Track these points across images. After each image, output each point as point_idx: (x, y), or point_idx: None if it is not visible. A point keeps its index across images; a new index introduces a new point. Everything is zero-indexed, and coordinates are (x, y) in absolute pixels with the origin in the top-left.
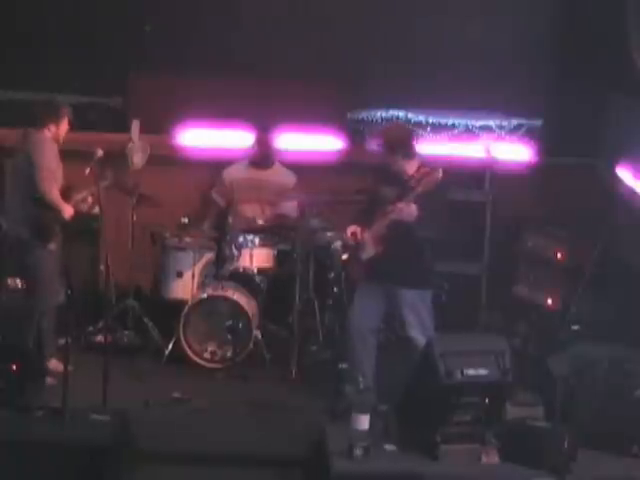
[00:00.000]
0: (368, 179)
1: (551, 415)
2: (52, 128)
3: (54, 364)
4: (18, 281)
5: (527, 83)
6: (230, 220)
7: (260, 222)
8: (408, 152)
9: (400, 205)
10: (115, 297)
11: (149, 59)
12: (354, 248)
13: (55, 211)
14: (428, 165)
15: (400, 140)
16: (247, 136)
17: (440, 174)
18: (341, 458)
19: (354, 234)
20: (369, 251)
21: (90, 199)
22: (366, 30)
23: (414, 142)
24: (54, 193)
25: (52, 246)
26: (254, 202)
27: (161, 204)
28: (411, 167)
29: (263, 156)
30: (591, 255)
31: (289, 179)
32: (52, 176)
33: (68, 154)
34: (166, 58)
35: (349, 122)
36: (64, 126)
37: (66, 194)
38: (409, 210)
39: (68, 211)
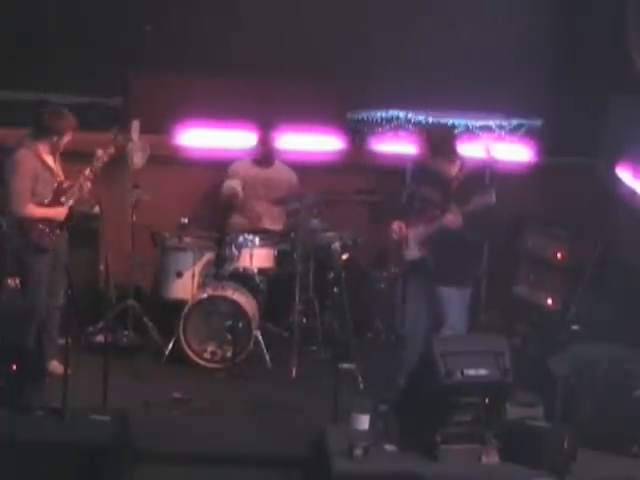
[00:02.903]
0: (375, 180)
1: (551, 415)
2: (55, 138)
3: (54, 366)
4: (18, 281)
5: (527, 83)
6: (235, 219)
7: (268, 227)
8: (450, 155)
9: (449, 217)
10: (115, 297)
11: (149, 59)
12: (397, 244)
13: (44, 220)
14: (470, 168)
15: (442, 142)
16: (247, 136)
17: (493, 200)
18: (341, 458)
19: (400, 229)
20: (414, 253)
21: (85, 184)
22: (366, 30)
23: (456, 145)
24: (27, 212)
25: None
26: (262, 199)
27: (161, 204)
28: (453, 169)
29: (266, 155)
30: (591, 255)
31: (291, 177)
32: (27, 195)
33: (68, 154)
34: (166, 58)
35: (349, 122)
36: (67, 138)
37: (59, 192)
38: (456, 222)
39: (60, 213)
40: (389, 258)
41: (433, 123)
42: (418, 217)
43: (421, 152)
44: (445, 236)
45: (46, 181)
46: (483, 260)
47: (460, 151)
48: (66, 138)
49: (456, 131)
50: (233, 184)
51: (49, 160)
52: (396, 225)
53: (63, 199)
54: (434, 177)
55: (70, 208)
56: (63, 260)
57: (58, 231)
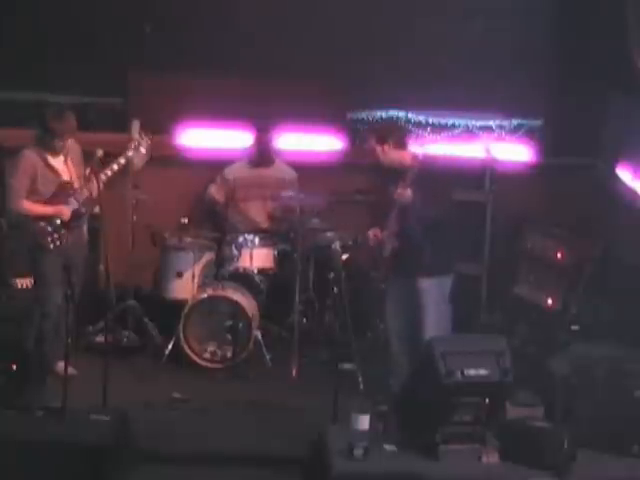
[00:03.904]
0: (370, 180)
1: (551, 415)
2: (55, 140)
3: (61, 367)
4: (18, 281)
5: (527, 83)
6: (231, 219)
7: (264, 226)
8: (398, 140)
9: (398, 191)
10: (115, 297)
11: (149, 59)
12: (378, 250)
13: (46, 219)
14: (420, 155)
15: (388, 129)
16: (247, 136)
17: (419, 156)
18: (341, 458)
19: (375, 235)
20: (387, 248)
21: (93, 185)
22: (366, 30)
23: (404, 132)
24: (21, 208)
25: (52, 249)
26: (256, 199)
27: (161, 204)
28: (406, 157)
29: (261, 156)
30: (591, 255)
31: (290, 175)
32: (22, 192)
33: None
34: (166, 58)
35: (349, 122)
36: (67, 140)
37: (64, 192)
38: (404, 194)
39: (61, 211)
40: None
41: (433, 123)
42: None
43: (372, 148)
44: (407, 226)
45: (48, 180)
46: (483, 258)
47: (410, 142)
48: (66, 141)
49: (402, 123)
50: (212, 191)
51: (54, 160)
52: (371, 232)
53: (71, 199)
54: (395, 174)
55: (76, 210)
56: (75, 260)
57: (63, 231)
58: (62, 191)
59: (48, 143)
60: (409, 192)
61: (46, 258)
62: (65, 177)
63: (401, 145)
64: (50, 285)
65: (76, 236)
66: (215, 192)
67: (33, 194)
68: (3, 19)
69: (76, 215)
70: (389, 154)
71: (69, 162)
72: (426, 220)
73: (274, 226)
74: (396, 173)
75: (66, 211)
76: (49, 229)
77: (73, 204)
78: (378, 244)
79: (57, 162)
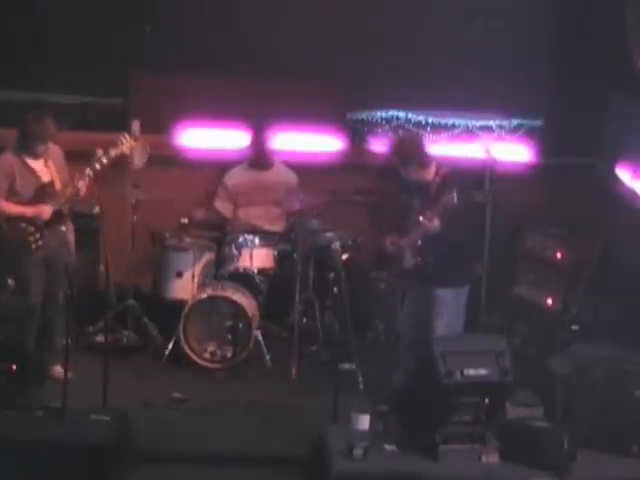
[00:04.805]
0: (375, 180)
1: (551, 415)
2: (35, 144)
3: (57, 371)
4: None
5: (527, 83)
6: (233, 225)
7: (266, 227)
8: (421, 161)
9: (424, 222)
10: (115, 297)
11: (149, 59)
12: (396, 256)
13: (26, 220)
14: (444, 168)
15: (411, 153)
16: (246, 136)
17: (454, 200)
18: (341, 458)
19: (393, 242)
20: (409, 261)
21: (80, 188)
22: (366, 30)
23: (425, 150)
24: (2, 210)
25: (34, 249)
26: (259, 204)
27: (161, 204)
28: (429, 173)
29: (258, 157)
30: (591, 255)
31: (291, 178)
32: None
33: (68, 154)
34: (166, 58)
35: (349, 122)
36: (47, 145)
37: (43, 193)
38: (432, 225)
39: (40, 212)
40: (386, 264)
41: (433, 123)
42: (405, 226)
43: (393, 162)
44: (431, 240)
45: (27, 182)
46: (483, 258)
47: (431, 153)
48: (46, 144)
49: (421, 135)
50: (218, 206)
51: (33, 162)
52: (389, 240)
53: (52, 200)
54: (412, 183)
55: (57, 210)
56: (61, 261)
57: (46, 231)
58: (42, 192)
59: (28, 146)
60: (437, 222)
61: (28, 259)
62: (45, 178)
63: (424, 165)
64: (33, 286)
65: (60, 238)
66: (221, 206)
67: (13, 195)
68: (3, 19)
69: (57, 215)
70: (411, 174)
71: (50, 165)
72: (453, 239)
73: (279, 229)
74: (416, 185)
75: (47, 210)
76: (31, 229)
77: (54, 204)
78: (397, 252)
79: (36, 164)
